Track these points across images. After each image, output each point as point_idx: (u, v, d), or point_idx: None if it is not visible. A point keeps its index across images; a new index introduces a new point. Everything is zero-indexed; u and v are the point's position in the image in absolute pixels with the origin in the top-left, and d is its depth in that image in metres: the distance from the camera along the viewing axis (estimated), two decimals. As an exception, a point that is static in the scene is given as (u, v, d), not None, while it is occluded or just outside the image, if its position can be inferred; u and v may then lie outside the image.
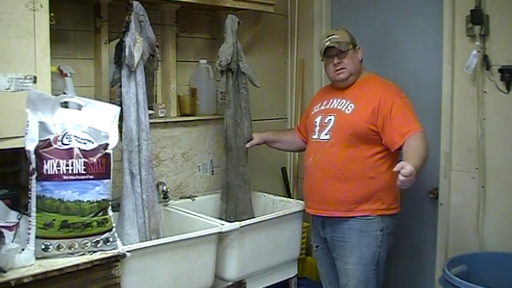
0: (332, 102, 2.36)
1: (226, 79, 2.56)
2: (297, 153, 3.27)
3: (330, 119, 2.31)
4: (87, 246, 1.76)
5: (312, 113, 2.44)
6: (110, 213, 1.83)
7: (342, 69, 2.31)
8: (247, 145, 2.60)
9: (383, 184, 2.24)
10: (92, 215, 1.75)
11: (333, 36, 2.32)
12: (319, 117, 2.36)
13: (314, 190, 2.35)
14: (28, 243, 1.69)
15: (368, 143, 2.24)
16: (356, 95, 2.30)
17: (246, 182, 2.64)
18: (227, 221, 2.35)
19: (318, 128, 2.35)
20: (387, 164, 2.24)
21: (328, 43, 2.31)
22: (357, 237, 2.25)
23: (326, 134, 2.30)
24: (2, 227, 1.67)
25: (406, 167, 1.88)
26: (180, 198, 2.71)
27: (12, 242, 1.66)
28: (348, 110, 2.27)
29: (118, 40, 2.19)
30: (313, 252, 2.64)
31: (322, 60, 2.42)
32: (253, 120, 2.68)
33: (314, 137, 2.37)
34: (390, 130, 2.18)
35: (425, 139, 2.15)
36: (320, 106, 2.41)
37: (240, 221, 2.33)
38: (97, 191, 1.77)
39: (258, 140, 2.63)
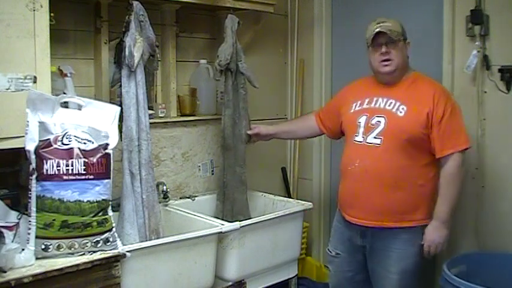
0: (377, 101, 2.17)
1: (225, 79, 2.56)
2: (297, 153, 3.28)
3: (379, 121, 2.12)
4: (87, 246, 1.76)
5: (352, 111, 2.23)
6: (110, 213, 1.83)
7: (388, 60, 2.11)
8: (249, 132, 2.58)
9: (430, 191, 2.13)
10: (92, 215, 1.75)
11: (384, 24, 2.11)
12: (364, 117, 2.17)
13: (360, 198, 2.17)
14: (28, 243, 1.69)
15: (421, 149, 2.10)
16: (406, 95, 2.12)
17: (242, 183, 2.63)
18: (225, 221, 2.35)
19: (362, 129, 2.16)
20: (435, 169, 2.12)
21: (379, 28, 2.09)
22: (404, 247, 2.12)
23: (376, 138, 2.11)
24: (2, 227, 1.67)
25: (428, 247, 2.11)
26: (180, 198, 2.71)
27: (12, 242, 1.66)
28: (401, 113, 2.09)
29: (118, 40, 2.19)
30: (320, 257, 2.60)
31: (368, 47, 2.18)
32: (253, 120, 2.68)
33: (358, 139, 2.17)
34: (437, 137, 2.07)
35: (462, 164, 2.08)
36: (361, 104, 2.21)
37: (238, 221, 2.33)
38: (97, 191, 1.77)
39: (261, 130, 2.59)
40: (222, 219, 2.44)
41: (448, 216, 2.09)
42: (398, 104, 2.12)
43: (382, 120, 2.12)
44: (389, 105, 2.13)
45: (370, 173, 2.12)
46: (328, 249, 2.38)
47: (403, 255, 2.13)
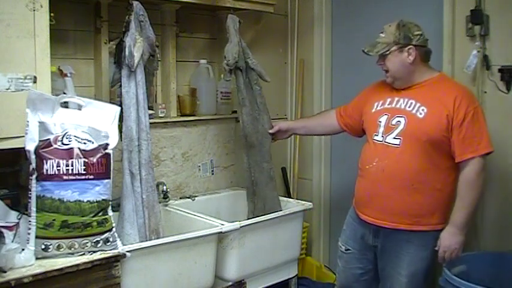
0: (398, 101, 2.15)
1: (236, 78, 2.53)
2: (297, 153, 3.28)
3: (399, 122, 2.11)
4: (87, 246, 1.76)
5: (373, 110, 2.23)
6: (110, 213, 1.83)
7: (386, 71, 2.16)
8: (271, 131, 2.58)
9: (447, 196, 2.10)
10: (92, 215, 1.76)
11: (380, 35, 2.16)
12: (384, 116, 2.16)
13: (376, 198, 2.15)
14: (28, 243, 1.69)
15: (441, 152, 2.06)
16: (427, 97, 2.09)
17: (272, 179, 2.60)
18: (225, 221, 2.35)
19: (382, 129, 2.15)
20: (454, 174, 2.08)
21: (363, 48, 2.17)
22: (416, 251, 2.11)
23: (395, 138, 2.10)
24: (2, 227, 1.67)
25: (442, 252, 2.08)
26: (180, 198, 2.71)
27: (12, 242, 1.67)
28: (420, 114, 2.07)
29: (118, 40, 2.19)
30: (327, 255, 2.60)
31: None
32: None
33: (377, 138, 2.16)
34: (457, 141, 2.03)
35: (483, 169, 2.03)
36: (383, 104, 2.20)
37: (239, 221, 2.33)
38: (97, 191, 1.77)
39: (281, 126, 2.60)
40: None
41: (465, 222, 2.05)
42: (418, 105, 2.09)
43: (402, 120, 2.10)
44: (409, 106, 2.11)
45: (387, 173, 2.10)
46: (339, 244, 2.37)
47: (414, 259, 2.11)
